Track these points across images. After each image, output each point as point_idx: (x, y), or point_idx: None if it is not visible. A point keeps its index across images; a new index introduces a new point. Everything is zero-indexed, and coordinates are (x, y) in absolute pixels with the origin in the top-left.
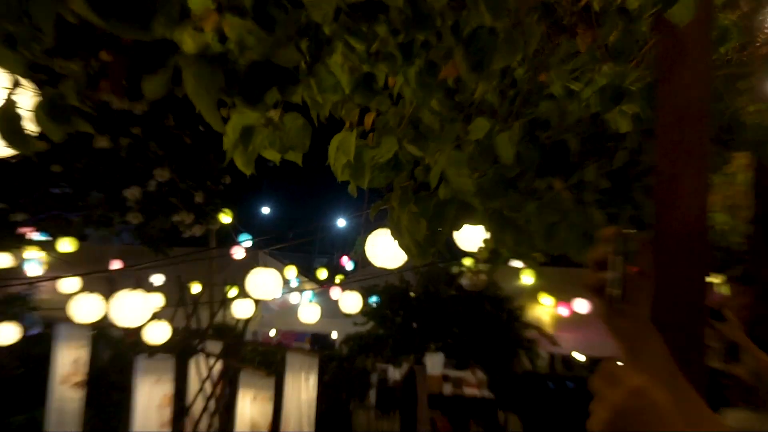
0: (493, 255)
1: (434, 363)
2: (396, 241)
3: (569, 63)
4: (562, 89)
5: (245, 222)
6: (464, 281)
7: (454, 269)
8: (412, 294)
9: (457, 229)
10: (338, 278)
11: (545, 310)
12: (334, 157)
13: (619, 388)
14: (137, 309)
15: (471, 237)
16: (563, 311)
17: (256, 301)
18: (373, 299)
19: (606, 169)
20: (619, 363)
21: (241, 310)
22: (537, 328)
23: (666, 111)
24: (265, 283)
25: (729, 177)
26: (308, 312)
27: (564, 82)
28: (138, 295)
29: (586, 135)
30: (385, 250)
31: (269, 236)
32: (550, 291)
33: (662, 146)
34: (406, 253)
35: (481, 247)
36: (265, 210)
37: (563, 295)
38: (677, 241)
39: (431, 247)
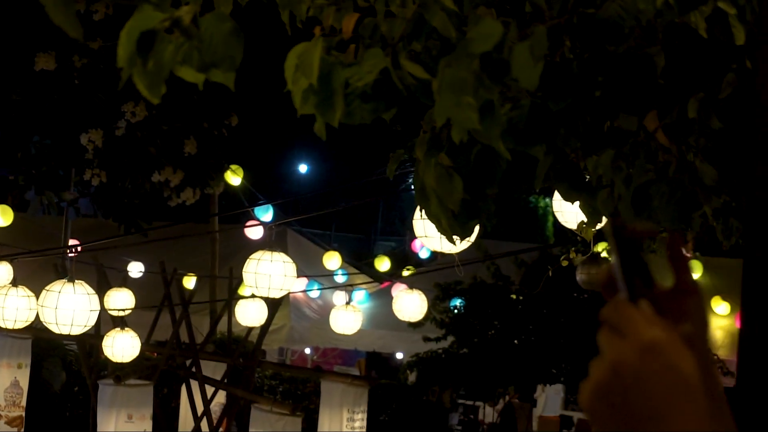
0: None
1: (549, 400)
2: (423, 210)
3: None
4: None
5: (266, 185)
6: (579, 275)
7: (575, 257)
8: (513, 296)
9: (515, 193)
10: (406, 271)
11: (719, 322)
12: (293, 78)
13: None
14: (78, 310)
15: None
16: None
17: (274, 303)
18: (456, 302)
19: (712, 104)
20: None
21: (248, 315)
22: None
23: None
24: (271, 273)
25: None
26: (344, 318)
27: None
28: (80, 288)
29: (680, 49)
30: None
31: (304, 207)
32: (727, 293)
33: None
34: (436, 226)
35: (582, 222)
36: (302, 168)
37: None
38: None
39: (472, 220)
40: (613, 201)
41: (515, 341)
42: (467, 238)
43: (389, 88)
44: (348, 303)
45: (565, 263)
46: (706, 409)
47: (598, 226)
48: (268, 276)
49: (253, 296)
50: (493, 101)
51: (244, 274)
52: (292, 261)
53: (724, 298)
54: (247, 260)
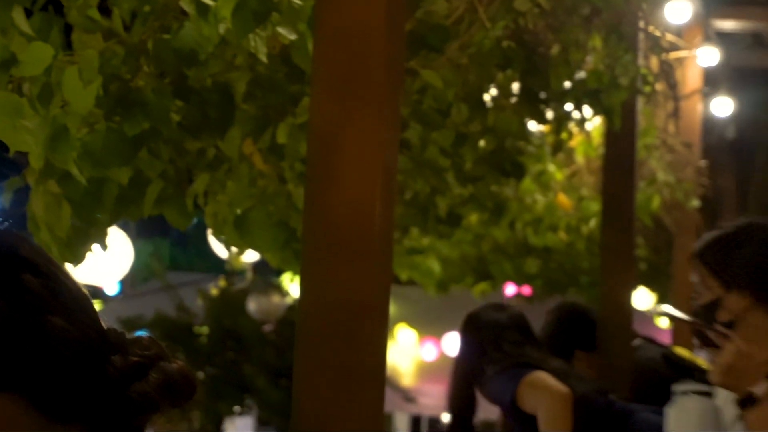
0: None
1: None
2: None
3: None
4: (192, 3)
5: None
6: (251, 306)
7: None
8: (198, 330)
9: (135, 217)
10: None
11: (404, 350)
12: None
13: None
14: None
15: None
16: (429, 352)
17: None
18: (141, 335)
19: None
20: None
21: None
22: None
23: (324, 34)
24: None
25: None
26: None
27: None
28: None
29: (265, 75)
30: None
31: None
32: (413, 321)
33: (317, 91)
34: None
35: (232, 253)
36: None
37: (430, 328)
38: (340, 235)
39: (84, 246)
40: (219, 227)
41: (201, 374)
42: (79, 264)
43: None
44: None
45: (214, 291)
46: None
47: (245, 256)
48: None
49: None
50: (66, 126)
51: None
52: None
53: (412, 325)
54: None
